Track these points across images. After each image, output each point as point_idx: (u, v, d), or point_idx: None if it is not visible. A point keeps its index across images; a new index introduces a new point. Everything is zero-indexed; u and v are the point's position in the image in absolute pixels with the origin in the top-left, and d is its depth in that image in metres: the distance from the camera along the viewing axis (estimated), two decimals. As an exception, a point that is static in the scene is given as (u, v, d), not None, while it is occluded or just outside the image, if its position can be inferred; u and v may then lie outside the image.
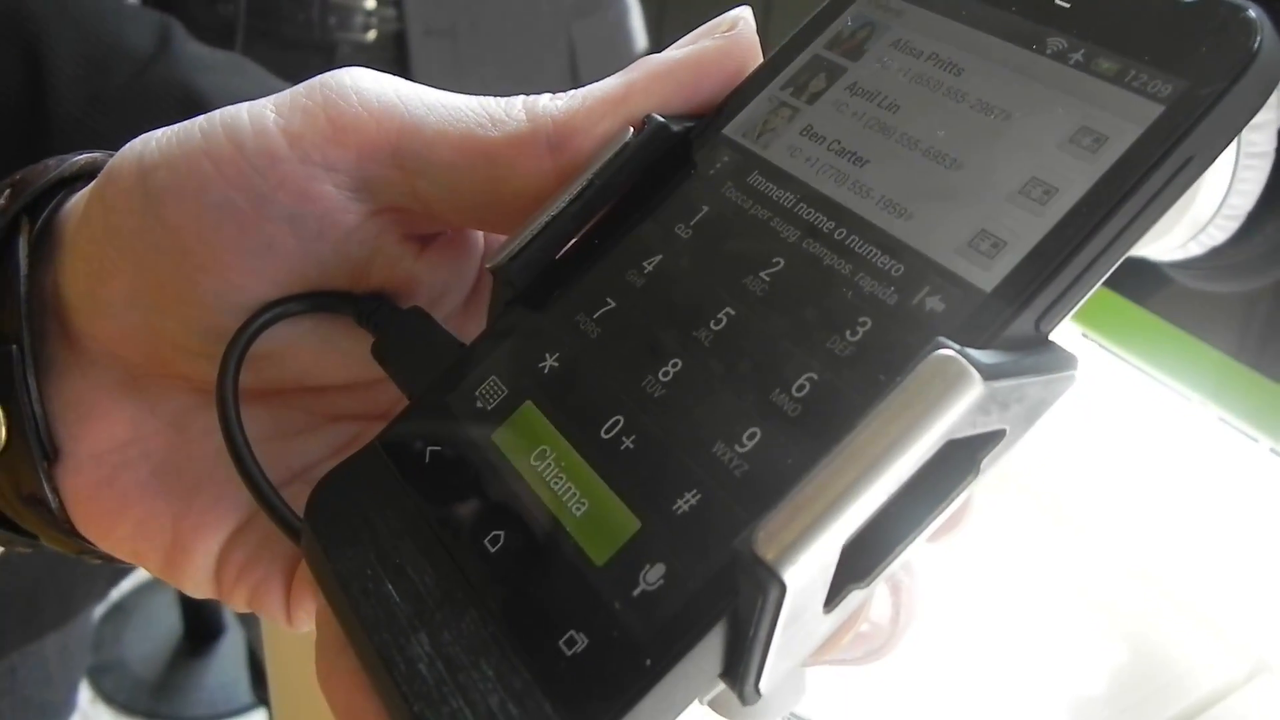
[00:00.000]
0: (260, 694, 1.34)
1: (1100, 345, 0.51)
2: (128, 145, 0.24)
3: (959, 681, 0.44)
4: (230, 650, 1.47)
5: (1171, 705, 0.44)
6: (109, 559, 0.27)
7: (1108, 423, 0.54)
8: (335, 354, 0.26)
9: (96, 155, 0.27)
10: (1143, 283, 0.48)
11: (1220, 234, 0.45)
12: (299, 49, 0.76)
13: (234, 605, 0.25)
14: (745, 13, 0.24)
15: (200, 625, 1.48)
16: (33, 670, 0.64)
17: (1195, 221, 0.43)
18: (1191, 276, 0.47)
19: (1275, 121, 0.43)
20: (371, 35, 0.77)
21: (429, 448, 0.22)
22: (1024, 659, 0.45)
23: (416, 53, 0.77)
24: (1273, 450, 0.48)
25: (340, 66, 0.24)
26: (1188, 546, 0.50)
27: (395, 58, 0.77)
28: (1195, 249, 0.45)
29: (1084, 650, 0.46)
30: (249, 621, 1.10)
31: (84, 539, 0.26)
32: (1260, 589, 0.47)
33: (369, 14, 0.76)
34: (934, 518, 0.18)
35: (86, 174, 0.26)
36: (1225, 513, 0.50)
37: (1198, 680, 0.45)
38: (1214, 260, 0.46)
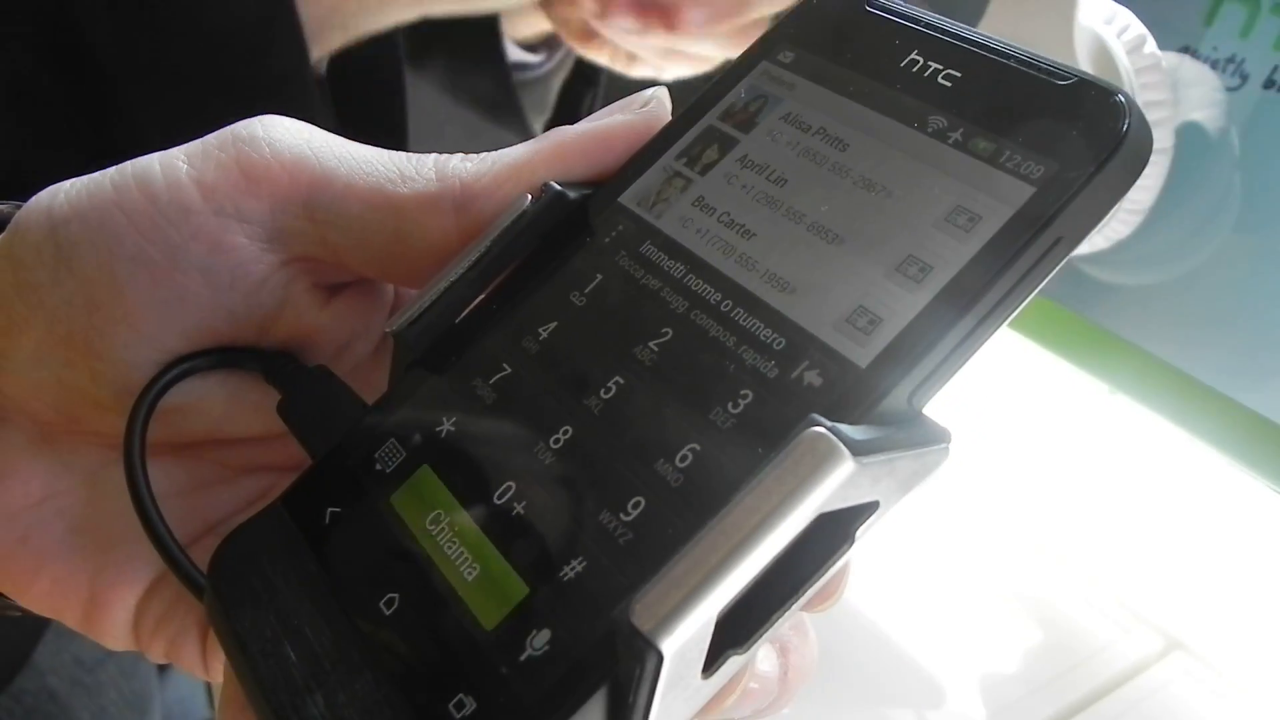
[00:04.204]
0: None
1: (1017, 336, 0.52)
2: (34, 198, 0.24)
3: (872, 661, 0.45)
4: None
5: (1085, 682, 0.45)
6: (29, 612, 0.27)
7: (1018, 407, 0.55)
8: (245, 407, 0.26)
9: (3, 207, 0.26)
10: (1057, 278, 0.49)
11: (1124, 228, 0.46)
12: None
13: (152, 656, 0.26)
14: (660, 92, 0.25)
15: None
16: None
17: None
18: (1099, 269, 0.49)
19: (1172, 119, 0.44)
20: None
21: (329, 509, 0.22)
22: (936, 638, 0.46)
23: None
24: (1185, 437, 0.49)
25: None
26: (1100, 527, 0.51)
27: None
28: (1101, 243, 0.47)
29: (997, 630, 0.47)
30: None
31: (1, 595, 0.26)
32: (1172, 569, 0.49)
33: None
34: (810, 586, 0.19)
35: None
36: (1136, 494, 0.51)
37: (1110, 658, 0.46)
38: (1119, 254, 0.47)
